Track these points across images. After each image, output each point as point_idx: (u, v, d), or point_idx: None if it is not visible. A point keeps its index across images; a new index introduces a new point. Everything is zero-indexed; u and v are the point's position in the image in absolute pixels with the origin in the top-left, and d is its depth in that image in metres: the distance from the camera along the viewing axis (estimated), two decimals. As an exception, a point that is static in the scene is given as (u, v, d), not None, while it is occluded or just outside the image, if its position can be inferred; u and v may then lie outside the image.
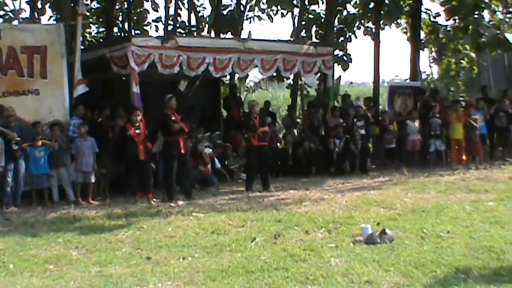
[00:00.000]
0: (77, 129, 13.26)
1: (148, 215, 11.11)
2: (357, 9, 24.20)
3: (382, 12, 21.68)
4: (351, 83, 40.38)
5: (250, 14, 25.07)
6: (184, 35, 22.24)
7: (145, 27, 25.13)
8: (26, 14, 22.05)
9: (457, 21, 22.05)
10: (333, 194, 12.82)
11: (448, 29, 23.73)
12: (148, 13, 25.16)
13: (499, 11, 22.88)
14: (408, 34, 23.53)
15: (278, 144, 18.55)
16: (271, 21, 25.51)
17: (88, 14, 16.66)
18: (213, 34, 23.58)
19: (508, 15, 22.56)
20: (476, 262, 7.17)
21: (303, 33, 23.92)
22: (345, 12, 24.24)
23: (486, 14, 22.18)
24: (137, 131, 12.85)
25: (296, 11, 24.07)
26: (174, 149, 13.02)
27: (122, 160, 13.60)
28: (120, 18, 24.72)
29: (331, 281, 6.67)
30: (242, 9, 24.30)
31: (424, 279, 6.62)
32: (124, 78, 14.78)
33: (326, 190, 13.61)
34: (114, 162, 13.83)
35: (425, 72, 33.00)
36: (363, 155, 17.05)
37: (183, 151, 13.10)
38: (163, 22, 24.32)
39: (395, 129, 17.88)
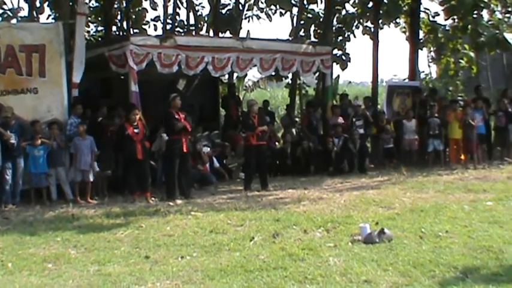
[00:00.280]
0: (75, 129, 13.24)
1: (147, 214, 11.11)
2: (356, 8, 24.22)
3: (380, 11, 21.70)
4: (350, 82, 40.40)
5: (249, 13, 25.09)
6: (183, 34, 22.22)
7: (144, 26, 25.14)
8: (24, 12, 22.12)
9: (456, 20, 22.08)
10: (332, 194, 12.82)
11: (447, 28, 23.77)
12: (147, 12, 25.20)
13: (498, 11, 22.93)
14: (407, 33, 23.56)
15: (276, 143, 18.55)
16: (270, 21, 25.48)
17: (87, 13, 16.60)
18: (211, 33, 23.56)
19: (507, 15, 22.57)
20: (474, 262, 7.18)
21: (301, 33, 23.89)
22: (343, 12, 24.26)
23: (485, 14, 22.25)
24: (135, 131, 12.84)
25: (295, 10, 24.08)
26: (177, 147, 13.01)
27: (120, 159, 13.59)
28: (119, 17, 24.71)
29: (329, 280, 6.66)
30: (241, 8, 24.31)
31: (422, 278, 6.61)
32: (123, 77, 14.77)
33: (325, 189, 13.61)
34: (112, 162, 13.80)
35: (424, 71, 33.01)
36: (362, 154, 17.05)
37: (185, 150, 13.08)
38: (162, 21, 24.37)
39: (393, 129, 17.87)
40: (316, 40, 22.49)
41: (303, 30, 24.14)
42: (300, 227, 9.46)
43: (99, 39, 23.93)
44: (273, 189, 13.94)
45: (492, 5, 21.98)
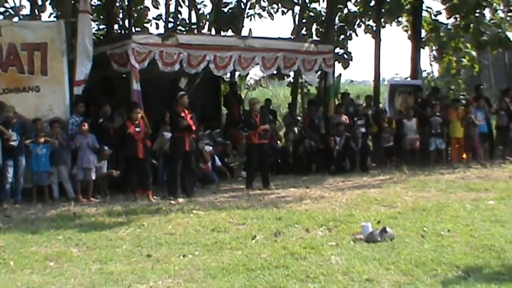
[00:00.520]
0: (76, 128, 13.23)
1: (149, 212, 11.11)
2: (358, 7, 24.21)
3: (382, 10, 21.68)
4: (352, 81, 40.40)
5: (251, 11, 25.07)
6: (184, 33, 22.26)
7: (145, 25, 25.11)
8: (26, 10, 22.11)
9: (458, 19, 22.11)
10: (333, 192, 12.82)
11: (449, 27, 23.77)
12: (149, 10, 25.21)
13: (500, 10, 22.91)
14: (409, 32, 23.53)
15: (278, 142, 18.54)
16: (272, 19, 25.52)
17: (89, 10, 16.58)
18: (213, 32, 23.57)
19: (509, 14, 22.55)
20: (476, 261, 7.17)
21: (303, 31, 23.90)
22: (345, 10, 24.26)
23: (487, 13, 22.28)
24: (137, 129, 12.85)
25: (297, 8, 24.06)
26: (180, 145, 13.01)
27: (121, 158, 13.60)
28: (121, 16, 24.68)
29: (331, 279, 6.66)
30: (243, 6, 24.28)
31: (424, 277, 6.61)
32: (124, 75, 14.76)
33: (326, 188, 13.60)
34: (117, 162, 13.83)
35: (425, 70, 33.09)
36: (363, 153, 17.03)
37: (187, 148, 13.08)
38: (164, 19, 24.33)
39: (393, 127, 17.83)
40: (318, 39, 22.50)
41: (305, 28, 24.14)
42: (301, 226, 9.45)
43: (101, 37, 23.91)
44: (275, 188, 13.93)
45: (494, 4, 21.99)
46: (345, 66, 24.20)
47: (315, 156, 17.04)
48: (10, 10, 22.18)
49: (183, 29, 24.44)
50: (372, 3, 22.58)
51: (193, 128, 13.28)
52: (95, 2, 23.84)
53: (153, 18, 25.34)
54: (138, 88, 13.51)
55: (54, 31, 13.66)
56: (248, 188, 13.93)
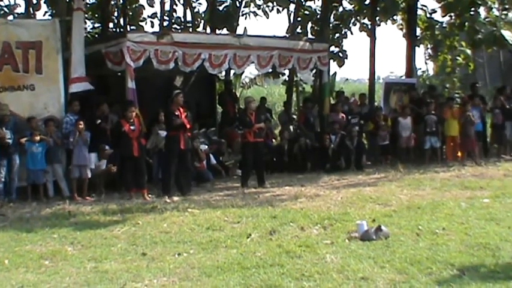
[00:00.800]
0: (71, 127, 13.20)
1: (144, 211, 11.10)
2: (353, 5, 24.19)
3: (378, 8, 21.66)
4: (347, 79, 40.38)
5: (246, 9, 24.99)
6: (179, 31, 22.18)
7: (140, 23, 25.04)
8: (21, 9, 22.05)
9: (453, 17, 22.11)
10: (329, 191, 12.83)
11: (444, 25, 23.77)
12: (144, 9, 25.08)
13: (495, 8, 22.89)
14: (404, 30, 23.52)
15: (273, 140, 18.53)
16: (267, 17, 25.41)
17: (84, 10, 16.56)
18: (208, 30, 23.54)
19: (504, 12, 22.56)
20: (471, 259, 7.19)
21: (298, 30, 23.88)
22: (340, 9, 24.24)
23: (482, 11, 22.24)
24: (132, 127, 12.83)
25: (292, 7, 24.05)
26: (175, 143, 13.00)
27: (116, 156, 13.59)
28: (116, 14, 24.63)
29: (326, 277, 6.67)
30: (238, 5, 24.23)
31: (419, 275, 6.62)
32: (119, 74, 14.74)
33: (321, 186, 13.61)
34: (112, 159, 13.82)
35: (420, 68, 33.01)
36: (359, 151, 17.03)
37: (182, 147, 13.06)
38: (159, 18, 24.30)
39: (388, 125, 17.84)
40: (313, 37, 22.47)
41: (300, 27, 24.11)
42: (296, 224, 9.46)
43: (96, 36, 23.86)
44: (270, 186, 13.93)
45: (489, 2, 21.98)
46: (340, 64, 24.17)
47: (310, 154, 17.04)
48: (5, 8, 22.17)
49: (178, 27, 24.38)
50: (367, 2, 22.55)
51: (188, 126, 13.26)
52: (89, 0, 23.79)
53: (148, 16, 25.28)
54: (133, 86, 13.49)
55: (49, 29, 13.63)
56: (243, 187, 13.93)
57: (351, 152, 16.83)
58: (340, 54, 24.11)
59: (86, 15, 22.87)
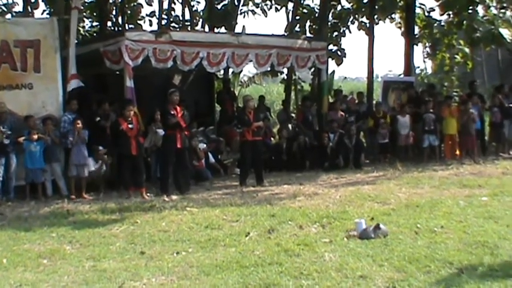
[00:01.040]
0: (69, 126, 13.19)
1: (142, 209, 11.10)
2: (351, 3, 24.15)
3: (376, 6, 21.67)
4: (345, 78, 40.33)
5: (244, 8, 24.99)
6: (178, 30, 22.17)
7: (139, 22, 25.03)
8: (19, 7, 22.02)
9: (452, 16, 22.11)
10: (327, 189, 12.82)
11: (443, 24, 23.77)
12: (142, 7, 25.10)
13: (493, 6, 22.91)
14: (402, 29, 23.52)
15: (272, 139, 18.53)
16: (265, 16, 25.40)
17: (82, 8, 16.57)
18: (207, 28, 23.53)
19: (502, 11, 22.57)
20: (470, 257, 7.19)
21: (297, 28, 23.88)
22: (339, 7, 24.19)
23: (480, 9, 22.27)
24: (130, 126, 12.82)
25: (290, 5, 24.05)
26: (171, 142, 12.99)
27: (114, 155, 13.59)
28: (114, 12, 24.62)
29: (325, 276, 6.67)
30: (236, 3, 24.22)
31: (418, 274, 6.62)
32: (117, 72, 14.73)
33: (320, 185, 13.61)
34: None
35: (419, 67, 33.03)
36: (357, 149, 17.03)
37: (179, 145, 13.05)
38: (157, 16, 24.28)
39: (388, 122, 17.82)
40: (312, 35, 22.45)
41: (298, 25, 24.11)
42: (295, 223, 9.46)
43: (94, 34, 23.85)
44: (269, 185, 13.92)
45: (487, 1, 22.02)
46: (339, 63, 24.16)
47: (309, 153, 17.03)
48: (3, 7, 22.17)
49: (176, 25, 24.38)
50: (365, 0, 22.56)
51: (183, 125, 13.23)
52: (88, -1, 23.80)
53: (147, 15, 25.28)
54: (132, 85, 13.47)
55: (47, 28, 13.61)
56: (242, 185, 13.92)
57: (350, 151, 16.82)
58: (339, 53, 24.10)
59: (84, 14, 22.94)
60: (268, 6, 24.82)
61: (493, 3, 22.73)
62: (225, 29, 22.78)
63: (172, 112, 13.05)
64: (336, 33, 24.20)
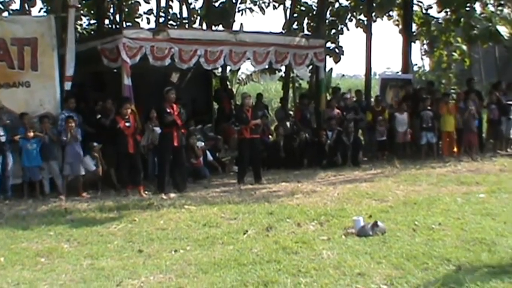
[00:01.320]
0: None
1: (140, 207, 11.10)
2: (349, 1, 24.23)
3: (374, 4, 21.70)
4: (343, 75, 40.47)
5: (242, 6, 25.02)
6: (175, 27, 22.17)
7: (136, 20, 25.06)
8: (16, 5, 22.03)
9: (449, 13, 22.14)
10: (325, 187, 12.83)
11: (440, 21, 23.82)
12: (140, 5, 25.12)
13: (491, 4, 22.94)
14: (400, 26, 23.54)
15: (270, 136, 18.53)
16: (263, 14, 25.42)
17: (79, 6, 16.55)
18: (204, 26, 23.52)
19: (500, 8, 22.59)
20: (467, 254, 7.19)
21: (294, 26, 23.89)
22: (336, 5, 24.26)
23: (478, 7, 22.29)
24: (127, 124, 12.80)
25: (288, 3, 24.10)
26: (168, 140, 12.98)
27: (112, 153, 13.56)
28: (112, 10, 24.63)
29: (323, 273, 6.67)
30: (234, 1, 24.23)
31: (415, 271, 6.62)
32: (115, 70, 14.71)
33: (318, 182, 13.61)
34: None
35: (417, 64, 33.13)
36: (355, 147, 17.02)
37: (176, 144, 13.05)
38: (155, 14, 24.32)
39: (386, 119, 17.80)
40: (310, 33, 22.48)
41: (296, 23, 24.14)
42: (293, 220, 9.47)
43: (92, 32, 23.84)
44: (266, 183, 13.92)
45: (485, -2, 22.06)
46: (336, 60, 24.17)
47: (307, 150, 17.02)
48: (0, 5, 22.07)
49: (174, 23, 24.38)
50: (363, -2, 22.60)
51: (179, 123, 13.21)
52: (85, -3, 23.78)
53: (144, 13, 25.32)
54: (129, 83, 13.46)
55: (44, 26, 13.57)
56: (240, 183, 13.93)
57: (348, 148, 16.81)
58: (337, 50, 24.10)
59: (82, 12, 22.93)
60: (266, 4, 24.88)
61: (491, 0, 22.76)
62: (223, 26, 22.79)
63: (168, 110, 13.03)
64: (333, 31, 24.22)
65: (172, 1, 24.73)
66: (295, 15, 24.02)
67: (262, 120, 15.62)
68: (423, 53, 32.89)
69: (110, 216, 10.45)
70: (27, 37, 13.34)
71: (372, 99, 20.45)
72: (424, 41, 28.61)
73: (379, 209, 10.10)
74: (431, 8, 23.72)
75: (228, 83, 23.85)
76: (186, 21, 24.66)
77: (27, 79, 13.30)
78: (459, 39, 25.20)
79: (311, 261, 7.12)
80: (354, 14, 24.20)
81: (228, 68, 20.65)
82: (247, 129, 14.15)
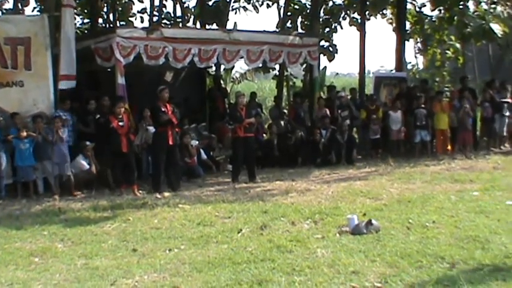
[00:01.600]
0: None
1: (134, 206, 11.09)
2: (343, -1, 24.25)
3: (367, 2, 21.72)
4: (337, 73, 40.46)
5: (236, 4, 25.03)
6: (169, 26, 22.14)
7: (130, 18, 25.04)
8: (9, 5, 22.04)
9: (442, 11, 22.18)
10: (319, 185, 12.84)
11: (434, 19, 23.87)
12: (133, 4, 25.09)
13: (484, 2, 22.99)
14: (394, 25, 23.58)
15: (264, 135, 18.53)
16: (257, 12, 25.41)
17: (74, 6, 16.48)
18: (198, 25, 23.50)
19: (493, 6, 22.65)
20: (461, 251, 7.21)
21: (288, 24, 23.90)
22: (330, 3, 24.31)
23: (471, 5, 22.35)
24: (120, 124, 12.78)
25: (282, 1, 24.12)
26: (163, 139, 12.96)
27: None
28: (105, 9, 24.57)
29: (317, 271, 6.67)
30: (228, 0, 24.21)
31: (410, 269, 6.63)
32: (109, 69, 14.68)
33: (312, 181, 13.62)
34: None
35: (410, 62, 33.12)
36: (349, 145, 17.03)
37: (171, 142, 13.03)
38: (149, 13, 24.29)
39: (379, 117, 17.82)
40: (303, 31, 22.49)
41: (290, 21, 24.17)
42: (287, 219, 9.47)
43: (85, 31, 23.79)
44: (261, 181, 13.92)
45: (478, -4, 22.09)
46: (330, 59, 24.21)
47: (301, 149, 17.02)
48: (-8, 5, 22.06)
49: (167, 22, 24.36)
50: (357, -4, 22.61)
51: (175, 122, 13.20)
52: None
53: (138, 12, 25.30)
54: (123, 82, 13.43)
55: (37, 25, 13.54)
56: (234, 182, 13.93)
57: (342, 146, 16.83)
58: (330, 49, 24.16)
59: (76, 11, 22.85)
60: (260, 3, 24.86)
61: (484, -2, 22.82)
62: (217, 25, 22.79)
63: (163, 109, 13.02)
64: (327, 29, 24.27)
65: (166, 0, 24.74)
66: (289, 13, 24.05)
67: (256, 119, 15.62)
68: (417, 51, 32.90)
69: (104, 216, 10.43)
70: (20, 36, 13.31)
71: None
72: (418, 39, 28.64)
73: (373, 207, 10.12)
74: (425, 6, 23.82)
75: (221, 81, 23.84)
76: (180, 20, 24.64)
77: (20, 79, 13.27)
78: (453, 38, 25.24)
79: (305, 260, 7.12)
80: (348, 12, 24.25)
81: (222, 66, 20.66)
82: (241, 128, 14.15)
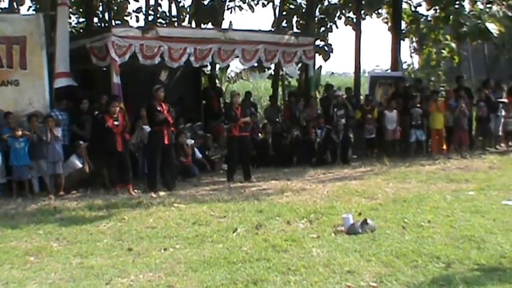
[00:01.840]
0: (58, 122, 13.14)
1: (130, 206, 11.08)
2: (338, -1, 24.25)
3: (363, 2, 21.73)
4: (332, 73, 40.49)
5: (231, 4, 25.00)
6: (165, 25, 22.14)
7: (125, 18, 25.00)
8: (4, 4, 21.93)
9: (438, 11, 22.18)
10: (315, 184, 12.84)
11: (429, 19, 23.87)
12: (129, 3, 25.09)
13: (480, 1, 23.00)
14: (389, 24, 23.59)
15: (259, 134, 18.52)
16: (252, 11, 25.48)
17: (69, 5, 16.45)
18: (193, 24, 23.49)
19: (488, 5, 22.65)
20: (457, 251, 7.21)
21: (284, 24, 23.90)
22: (326, 2, 24.31)
23: (467, 4, 22.34)
24: (115, 123, 12.75)
25: (277, 1, 24.11)
26: (158, 139, 12.95)
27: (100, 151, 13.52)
28: (101, 9, 24.55)
29: (312, 271, 6.67)
30: (223, -1, 24.23)
31: (405, 268, 6.63)
32: (104, 68, 14.67)
33: (307, 180, 13.62)
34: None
35: (406, 62, 33.18)
36: (345, 145, 17.03)
37: (166, 141, 13.02)
38: (144, 12, 24.27)
39: (375, 117, 17.83)
40: (299, 31, 22.49)
41: (285, 21, 24.15)
42: (283, 218, 9.46)
43: (81, 30, 23.76)
44: (256, 181, 13.92)
45: (474, -5, 22.11)
46: (326, 58, 24.20)
47: (297, 148, 17.01)
48: (-13, 4, 22.00)
49: (163, 21, 24.36)
50: (352, -5, 22.62)
51: (170, 121, 13.19)
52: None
53: (133, 11, 25.28)
54: (118, 81, 13.44)
55: (33, 24, 13.53)
56: (229, 181, 13.92)
57: (337, 146, 16.83)
58: (326, 48, 24.15)
59: (71, 10, 22.82)
60: (255, 2, 24.84)
61: (480, -3, 22.83)
62: (212, 24, 22.78)
63: (158, 108, 13.00)
64: (323, 29, 24.26)
65: (161, -1, 24.73)
66: (284, 13, 24.04)
67: (251, 118, 15.62)
68: (412, 51, 32.94)
69: (99, 215, 10.42)
70: (16, 36, 13.31)
71: (362, 97, 20.51)
72: (413, 39, 28.66)
73: (368, 207, 10.12)
74: (421, 5, 23.82)
75: (217, 81, 23.84)
76: (175, 19, 24.62)
77: (16, 78, 13.27)
78: (448, 37, 25.25)
79: (301, 259, 7.12)
80: (343, 11, 24.23)
81: (217, 66, 20.65)
82: (236, 127, 14.14)
